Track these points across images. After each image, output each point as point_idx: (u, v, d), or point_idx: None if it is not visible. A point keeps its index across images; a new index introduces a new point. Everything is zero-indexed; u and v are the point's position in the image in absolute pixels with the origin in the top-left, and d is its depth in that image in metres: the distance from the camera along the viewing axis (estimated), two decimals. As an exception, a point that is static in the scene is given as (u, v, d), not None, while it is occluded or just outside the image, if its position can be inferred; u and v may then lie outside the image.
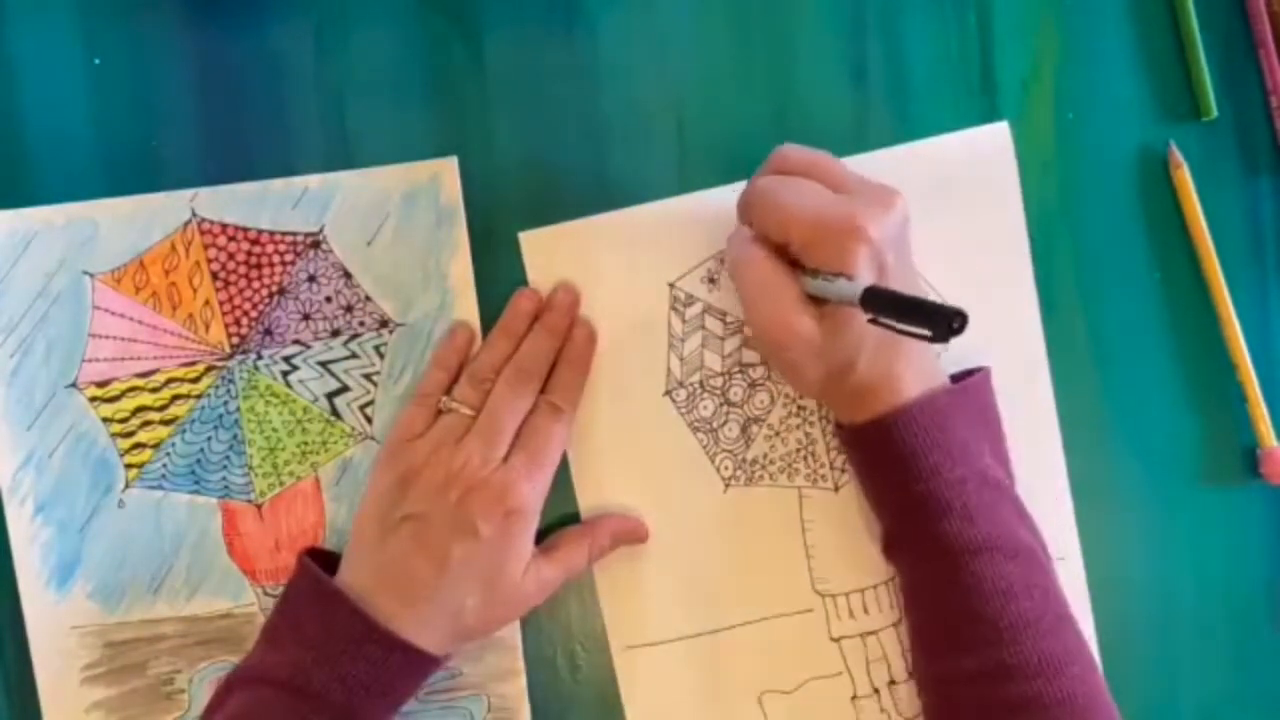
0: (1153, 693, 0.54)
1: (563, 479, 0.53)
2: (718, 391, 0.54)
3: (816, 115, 0.55)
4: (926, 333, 0.40)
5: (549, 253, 0.54)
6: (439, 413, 0.52)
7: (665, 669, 0.54)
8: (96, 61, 0.53)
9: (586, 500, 0.54)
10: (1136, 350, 0.56)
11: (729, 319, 0.54)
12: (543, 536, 0.52)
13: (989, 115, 0.55)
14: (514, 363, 0.52)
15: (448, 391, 0.52)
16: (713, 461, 0.54)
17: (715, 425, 0.54)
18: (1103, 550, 0.55)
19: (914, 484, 0.47)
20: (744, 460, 0.54)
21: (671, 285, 0.54)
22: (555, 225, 0.54)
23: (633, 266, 0.54)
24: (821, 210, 0.46)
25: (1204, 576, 0.56)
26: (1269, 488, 0.56)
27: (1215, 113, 0.55)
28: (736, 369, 0.54)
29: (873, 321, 0.43)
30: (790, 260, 0.47)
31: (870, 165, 0.54)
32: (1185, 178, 0.55)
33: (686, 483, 0.54)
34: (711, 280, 0.54)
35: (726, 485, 0.54)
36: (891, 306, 0.42)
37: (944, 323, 0.39)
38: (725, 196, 0.53)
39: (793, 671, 0.54)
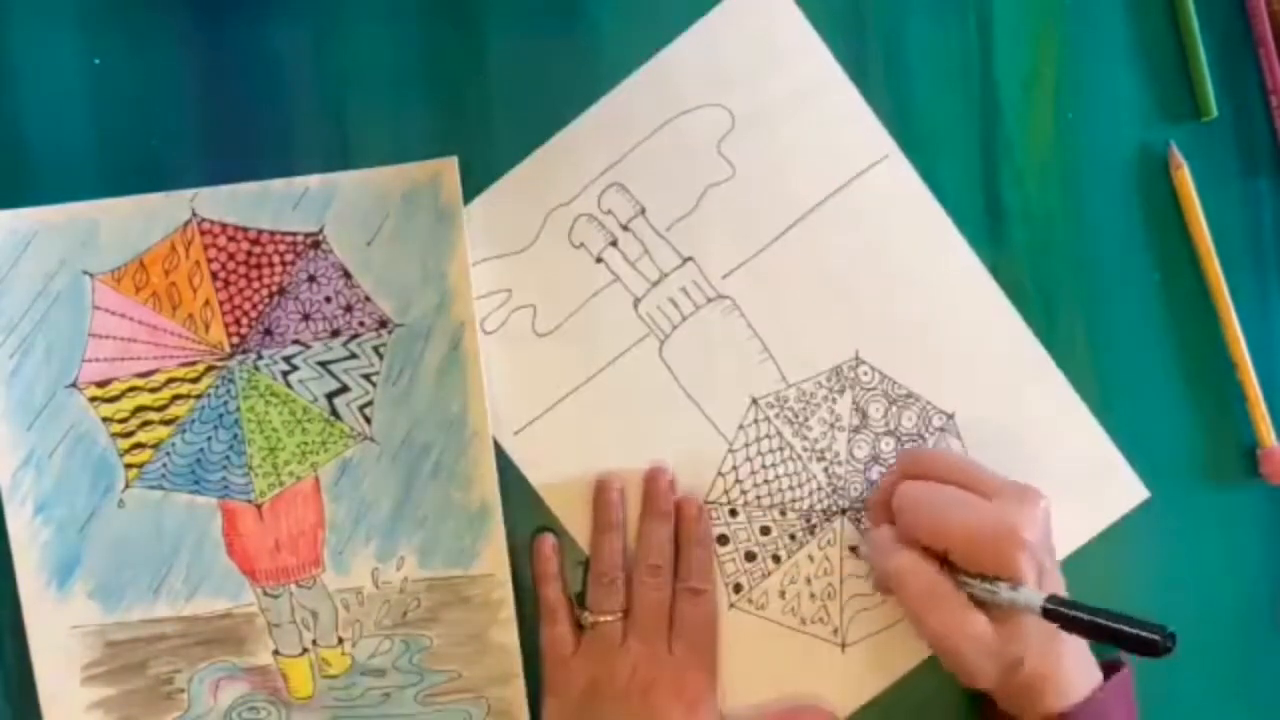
0: (1153, 693, 0.54)
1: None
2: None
3: (816, 115, 0.55)
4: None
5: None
6: (578, 625, 0.53)
7: None
8: (96, 61, 0.53)
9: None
10: (1136, 350, 0.56)
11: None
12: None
13: (989, 115, 0.55)
14: (642, 560, 0.53)
15: (570, 601, 0.54)
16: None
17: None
18: (1102, 550, 0.55)
19: None
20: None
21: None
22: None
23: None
24: (978, 519, 0.47)
25: (1204, 576, 0.56)
26: (1269, 488, 0.56)
27: (1215, 113, 0.55)
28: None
29: (1064, 627, 0.44)
30: (942, 561, 0.48)
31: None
32: (1185, 178, 0.55)
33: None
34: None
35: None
36: (1083, 625, 0.44)
37: (1149, 646, 0.41)
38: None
39: None
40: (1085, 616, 0.44)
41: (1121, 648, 0.43)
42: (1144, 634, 0.42)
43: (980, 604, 0.47)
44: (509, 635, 0.54)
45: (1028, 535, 0.46)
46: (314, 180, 0.53)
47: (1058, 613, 0.44)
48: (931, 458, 0.52)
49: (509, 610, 0.53)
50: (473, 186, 0.54)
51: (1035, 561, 0.46)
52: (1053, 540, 0.49)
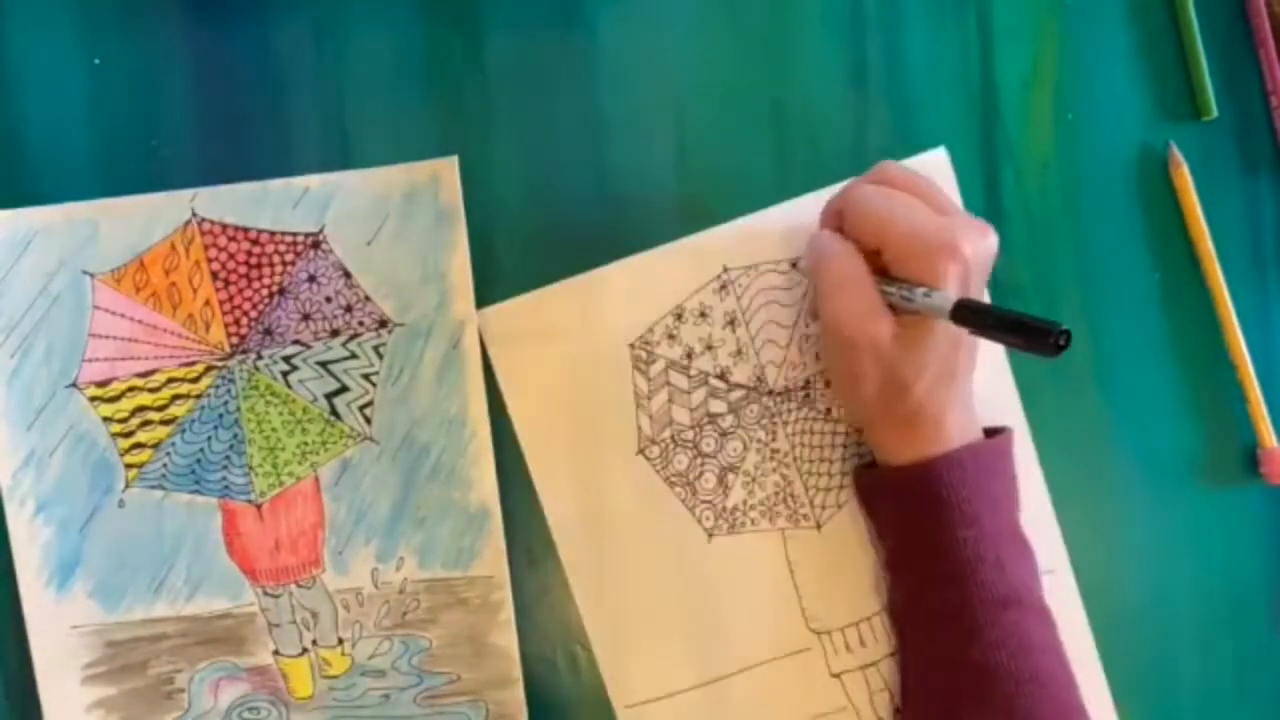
0: (1153, 693, 0.54)
1: (548, 548, 0.54)
2: (690, 444, 0.54)
3: (816, 115, 0.55)
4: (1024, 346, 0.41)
5: (508, 326, 0.53)
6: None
7: None
8: (96, 61, 0.53)
9: (575, 570, 0.54)
10: (1136, 351, 0.56)
11: (692, 372, 0.54)
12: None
13: (989, 115, 0.55)
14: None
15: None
16: (693, 513, 0.54)
17: (691, 478, 0.54)
18: (1103, 551, 0.55)
19: (953, 529, 0.47)
20: (724, 509, 0.54)
21: (631, 346, 0.54)
22: (513, 300, 0.53)
23: (592, 331, 0.53)
24: (921, 223, 0.47)
25: (1204, 576, 0.56)
26: (1269, 488, 0.56)
27: (1215, 113, 0.55)
28: (705, 420, 0.54)
29: (972, 330, 0.44)
30: (874, 268, 0.48)
31: (817, 199, 0.53)
32: (1185, 178, 0.55)
33: (670, 537, 0.54)
34: (670, 337, 0.54)
35: (710, 535, 0.54)
36: (988, 321, 0.43)
37: (1047, 339, 0.40)
38: (678, 256, 0.53)
39: (799, 711, 0.54)
40: (993, 311, 0.43)
41: (1019, 347, 0.42)
42: (1040, 325, 0.41)
43: (895, 314, 0.47)
44: (508, 638, 0.53)
45: (965, 250, 0.45)
46: (314, 180, 0.53)
47: (967, 313, 0.43)
48: (903, 172, 0.49)
49: (508, 613, 0.53)
50: (473, 186, 0.54)
51: (963, 280, 0.46)
52: (987, 277, 0.48)
